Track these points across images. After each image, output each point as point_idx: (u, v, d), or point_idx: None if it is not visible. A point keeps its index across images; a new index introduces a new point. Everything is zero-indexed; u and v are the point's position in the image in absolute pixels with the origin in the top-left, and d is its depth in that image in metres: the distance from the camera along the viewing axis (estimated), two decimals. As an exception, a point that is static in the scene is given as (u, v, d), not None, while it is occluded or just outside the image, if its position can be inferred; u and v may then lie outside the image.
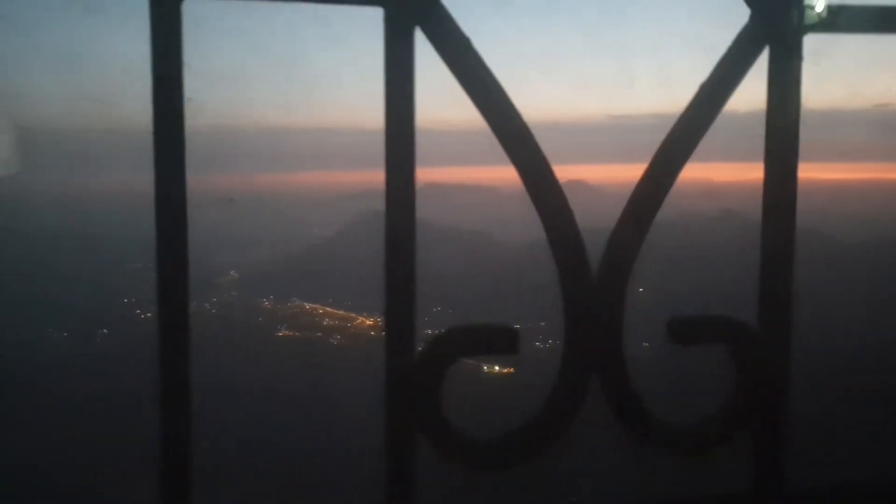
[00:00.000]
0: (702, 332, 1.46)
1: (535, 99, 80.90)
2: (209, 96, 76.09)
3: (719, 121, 1.41)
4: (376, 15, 1.27)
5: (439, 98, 8.90)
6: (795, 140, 1.42)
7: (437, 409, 1.35)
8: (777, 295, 1.46)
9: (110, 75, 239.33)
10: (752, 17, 1.39)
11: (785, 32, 1.40)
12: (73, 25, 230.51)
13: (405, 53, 1.26)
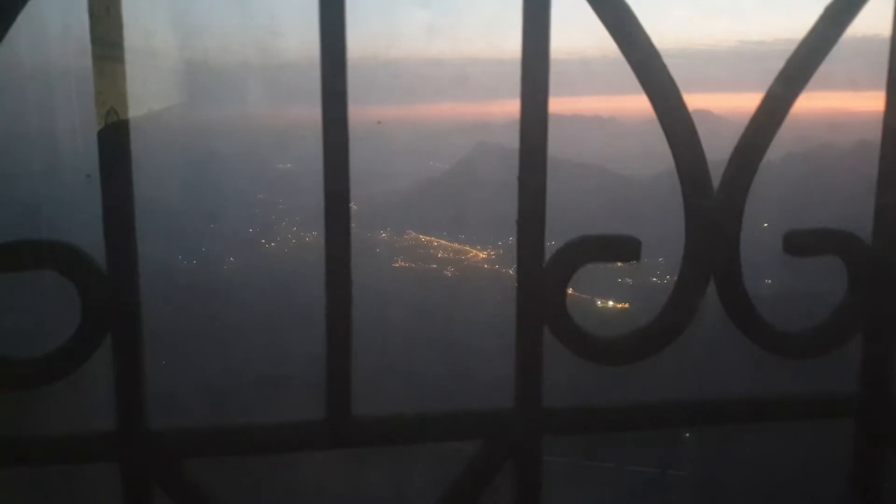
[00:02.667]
0: (816, 244, 1.56)
1: (666, 24, 76.38)
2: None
3: (851, 49, 1.47)
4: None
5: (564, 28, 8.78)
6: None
7: (563, 307, 1.52)
8: (892, 217, 1.54)
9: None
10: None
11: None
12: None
13: (542, 13, 1.39)
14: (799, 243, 1.55)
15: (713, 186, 1.51)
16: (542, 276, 1.50)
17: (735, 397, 1.64)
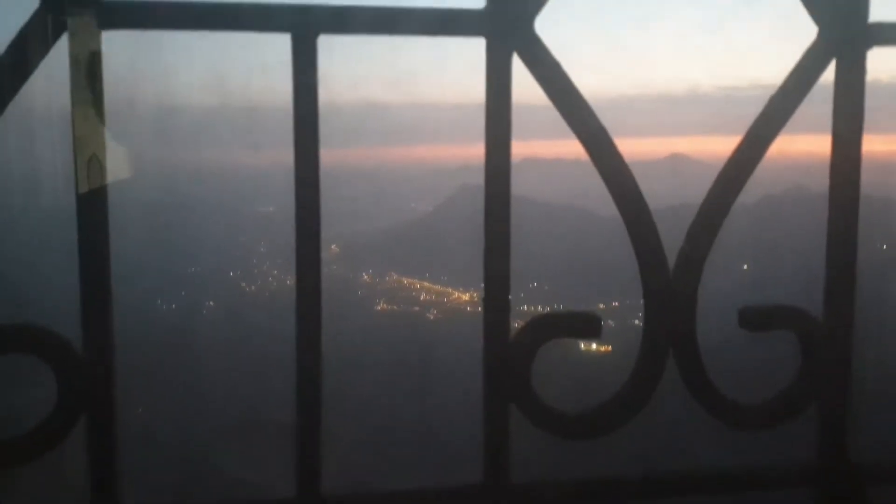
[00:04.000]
0: (770, 320, 1.64)
1: (644, 71, 77.99)
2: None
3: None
4: (479, 43, 1.50)
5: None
6: (858, 150, 1.58)
7: (527, 383, 1.58)
8: (841, 285, 1.62)
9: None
10: (819, 33, 1.55)
11: (851, 47, 1.55)
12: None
13: (504, 76, 1.49)
14: (753, 319, 1.63)
15: (669, 267, 1.59)
16: (507, 353, 1.57)
17: (699, 469, 1.71)
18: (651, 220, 1.57)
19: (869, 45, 1.56)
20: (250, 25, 1.43)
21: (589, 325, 1.59)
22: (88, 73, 1.40)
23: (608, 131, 1.53)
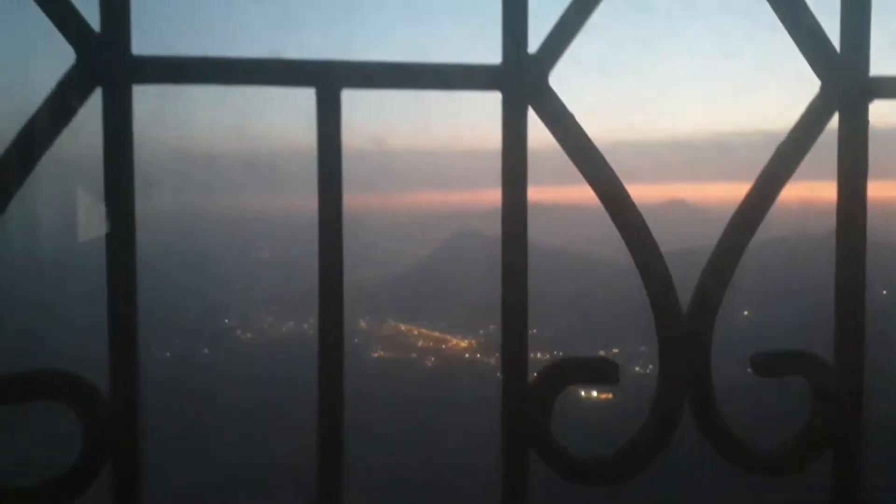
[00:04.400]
0: (781, 365, 1.67)
1: (646, 116, 79.00)
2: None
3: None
4: (495, 97, 1.56)
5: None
6: (864, 201, 1.63)
7: (547, 429, 1.61)
8: (851, 329, 1.66)
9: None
10: (822, 87, 1.61)
11: (853, 100, 1.61)
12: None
13: (519, 129, 1.54)
14: (765, 364, 1.67)
15: (683, 314, 1.63)
16: (526, 398, 1.60)
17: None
18: (665, 268, 1.61)
19: (870, 99, 1.62)
20: (277, 80, 1.49)
21: (607, 371, 1.62)
22: (120, 125, 1.45)
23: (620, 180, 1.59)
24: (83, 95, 1.45)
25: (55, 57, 1.51)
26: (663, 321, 1.62)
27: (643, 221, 1.60)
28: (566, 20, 1.52)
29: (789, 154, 1.61)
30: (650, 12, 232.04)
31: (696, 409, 1.64)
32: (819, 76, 1.60)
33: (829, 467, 1.73)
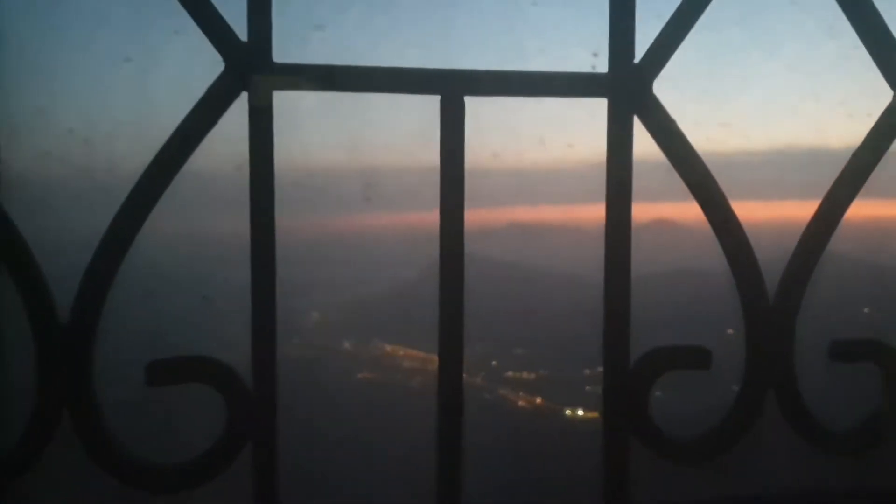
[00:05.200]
0: (860, 352, 1.81)
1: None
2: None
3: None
4: (601, 104, 1.69)
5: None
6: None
7: (646, 412, 1.74)
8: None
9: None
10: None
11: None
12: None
13: (626, 135, 1.68)
14: (843, 352, 1.81)
15: (769, 298, 1.76)
16: (626, 384, 1.72)
17: (792, 492, 1.86)
18: (757, 266, 1.74)
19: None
20: (406, 88, 1.62)
21: (701, 357, 1.75)
22: (264, 130, 1.57)
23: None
24: (228, 101, 1.56)
25: (203, 67, 1.63)
26: (751, 311, 1.75)
27: (744, 233, 1.73)
28: (670, 29, 1.66)
29: (865, 155, 1.75)
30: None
31: (781, 395, 1.77)
32: (891, 84, 1.75)
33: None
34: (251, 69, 1.56)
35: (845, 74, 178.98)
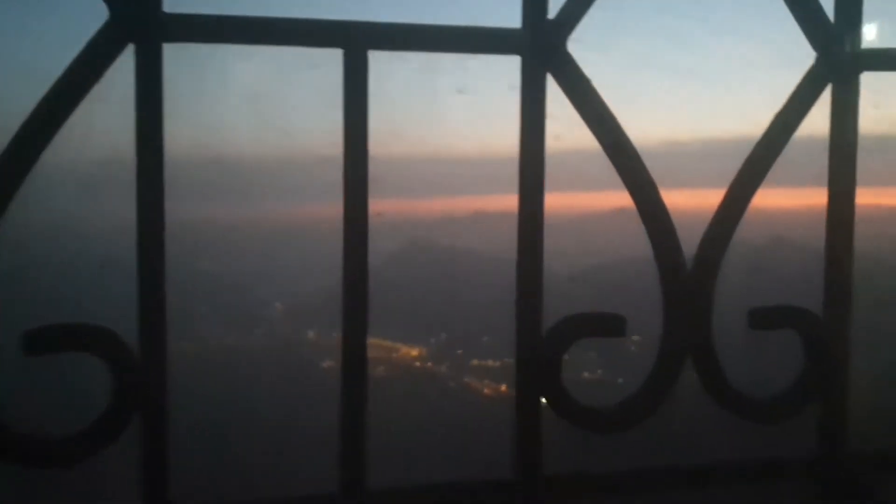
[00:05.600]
0: (777, 319, 1.78)
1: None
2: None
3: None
4: (513, 62, 1.63)
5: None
6: (853, 167, 1.76)
7: (558, 380, 1.69)
8: (839, 283, 1.78)
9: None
10: (817, 59, 1.73)
11: (846, 72, 1.74)
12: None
13: (538, 92, 1.62)
14: (762, 319, 1.77)
15: (687, 271, 1.72)
16: (538, 352, 1.67)
17: (703, 462, 1.83)
18: (673, 229, 1.70)
19: (861, 70, 1.75)
20: (306, 41, 1.54)
21: (614, 325, 1.71)
22: (151, 85, 1.48)
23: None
24: (114, 53, 1.47)
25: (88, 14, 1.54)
26: (669, 277, 1.71)
27: (657, 190, 1.69)
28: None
29: (787, 120, 1.72)
30: None
31: (698, 362, 1.74)
32: (814, 47, 1.72)
33: (816, 421, 1.85)
34: (137, 19, 1.47)
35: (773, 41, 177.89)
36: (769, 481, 1.84)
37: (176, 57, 1.53)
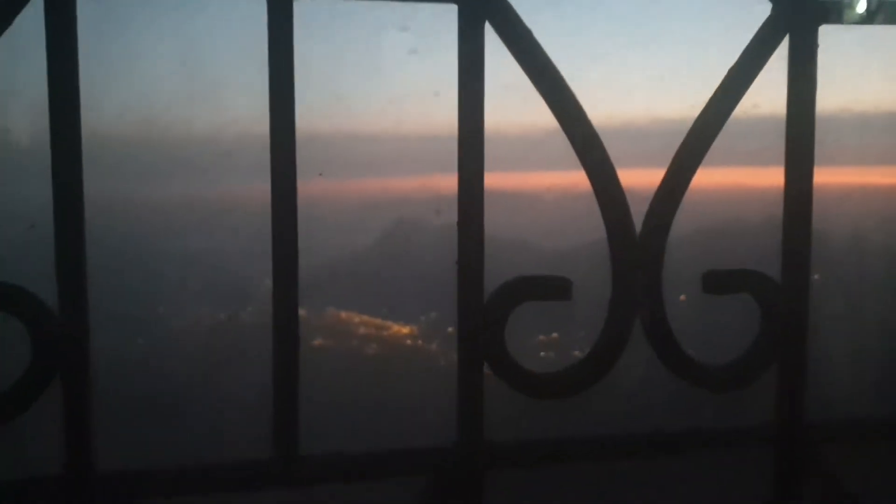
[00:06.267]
0: (733, 283, 1.73)
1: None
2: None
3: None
4: (449, 12, 1.57)
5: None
6: (812, 130, 1.70)
7: (502, 344, 1.64)
8: (798, 248, 1.73)
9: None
10: (773, 10, 1.67)
11: (804, 24, 1.67)
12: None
13: (476, 42, 1.55)
14: (716, 282, 1.72)
15: (636, 231, 1.67)
16: (482, 314, 1.62)
17: (660, 430, 1.78)
18: (620, 189, 1.64)
19: (819, 22, 1.69)
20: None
21: (560, 288, 1.66)
22: (65, 37, 1.41)
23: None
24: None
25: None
26: (617, 240, 1.65)
27: (600, 141, 1.63)
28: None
29: (741, 74, 1.66)
30: None
31: (648, 326, 1.69)
32: (771, -1, 1.66)
33: (774, 387, 1.81)
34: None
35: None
36: (722, 450, 1.80)
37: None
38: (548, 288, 1.66)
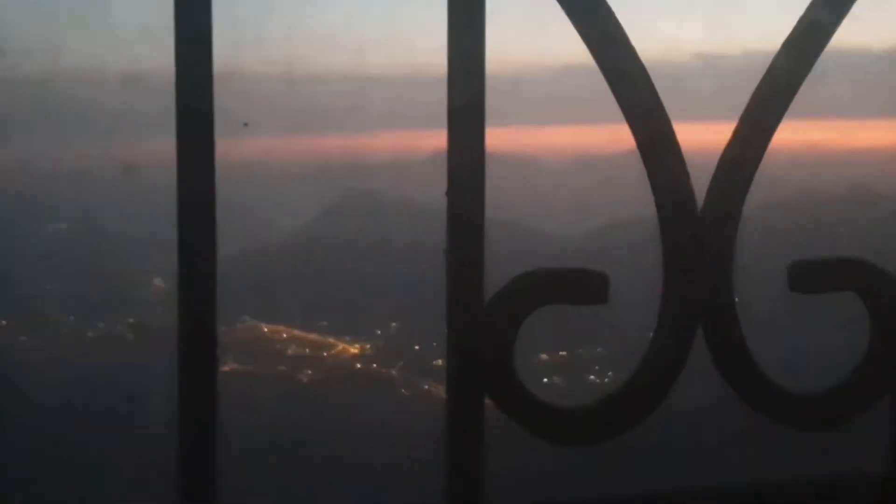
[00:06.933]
0: (828, 277, 1.75)
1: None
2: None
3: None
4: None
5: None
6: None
7: (509, 368, 1.64)
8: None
9: None
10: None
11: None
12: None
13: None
14: (807, 277, 1.73)
15: (697, 209, 1.68)
16: (481, 324, 1.62)
17: (736, 485, 1.80)
18: (676, 145, 1.66)
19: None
20: None
21: (594, 286, 1.66)
22: None
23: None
24: None
25: None
26: (670, 218, 1.66)
27: (651, 84, 1.64)
28: None
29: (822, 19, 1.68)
30: None
31: (713, 339, 1.70)
32: None
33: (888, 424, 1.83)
34: None
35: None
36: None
37: None
38: (578, 286, 1.67)
